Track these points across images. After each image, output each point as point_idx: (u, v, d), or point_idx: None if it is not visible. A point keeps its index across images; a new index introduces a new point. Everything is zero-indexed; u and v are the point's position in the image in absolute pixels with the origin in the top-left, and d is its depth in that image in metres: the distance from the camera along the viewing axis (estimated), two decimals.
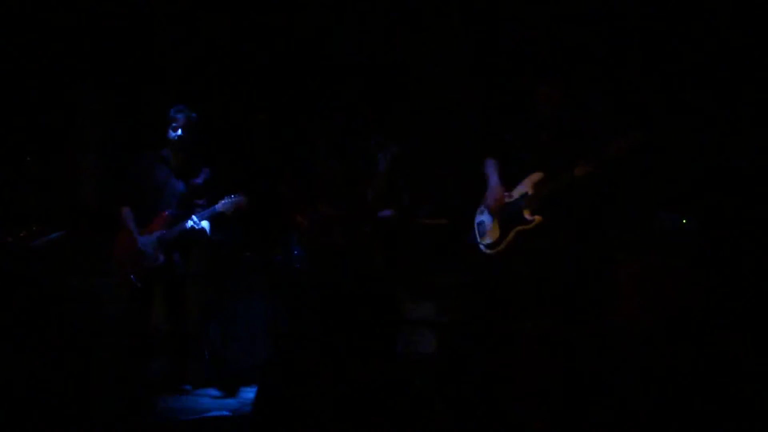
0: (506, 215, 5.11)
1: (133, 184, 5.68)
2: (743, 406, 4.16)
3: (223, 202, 5.55)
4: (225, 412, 5.15)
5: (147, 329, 5.71)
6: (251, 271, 6.47)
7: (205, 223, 5.55)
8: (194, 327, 5.93)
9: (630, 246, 5.90)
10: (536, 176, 5.04)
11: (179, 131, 5.60)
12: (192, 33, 7.23)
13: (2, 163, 6.44)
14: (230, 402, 5.45)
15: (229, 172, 6.77)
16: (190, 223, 5.52)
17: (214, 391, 5.72)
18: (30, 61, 7.00)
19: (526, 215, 5.00)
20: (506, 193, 5.15)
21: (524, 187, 5.08)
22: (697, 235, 5.45)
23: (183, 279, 5.67)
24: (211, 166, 5.80)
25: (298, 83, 7.27)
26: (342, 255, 5.45)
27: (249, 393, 5.68)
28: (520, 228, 5.01)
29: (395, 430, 4.39)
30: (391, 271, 5.78)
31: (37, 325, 5.94)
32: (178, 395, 5.56)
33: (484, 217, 5.23)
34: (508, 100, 6.60)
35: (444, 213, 5.95)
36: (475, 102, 6.77)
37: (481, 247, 5.17)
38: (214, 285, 6.38)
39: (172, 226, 5.58)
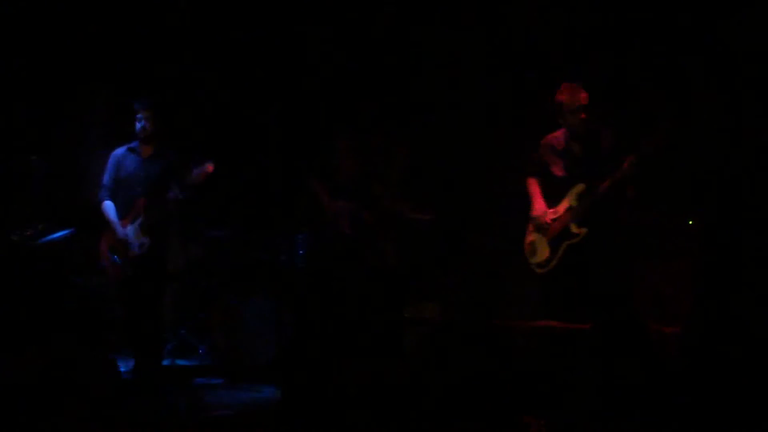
0: (554, 232, 5.15)
1: (107, 179, 5.76)
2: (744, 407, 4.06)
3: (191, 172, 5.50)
4: (227, 411, 5.06)
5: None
6: (255, 270, 6.42)
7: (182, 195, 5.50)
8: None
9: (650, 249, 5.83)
10: (579, 188, 5.09)
11: (143, 122, 5.67)
12: (202, 31, 7.18)
13: (8, 162, 6.42)
14: (232, 401, 5.35)
15: (241, 171, 6.74)
16: (171, 194, 5.50)
17: (217, 390, 5.66)
18: (38, 61, 7.01)
19: (573, 229, 5.04)
20: (551, 210, 5.18)
21: (569, 201, 5.12)
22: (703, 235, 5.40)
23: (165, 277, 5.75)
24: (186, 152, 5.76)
25: (316, 81, 7.19)
26: (351, 247, 5.35)
27: (252, 392, 5.61)
28: (568, 242, 5.05)
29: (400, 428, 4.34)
30: (402, 269, 5.66)
31: (41, 322, 5.92)
32: (179, 394, 5.47)
33: (533, 237, 5.27)
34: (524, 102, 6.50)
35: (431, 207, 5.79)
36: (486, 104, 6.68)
37: (533, 266, 5.24)
38: (216, 282, 6.36)
39: (150, 211, 5.57)
